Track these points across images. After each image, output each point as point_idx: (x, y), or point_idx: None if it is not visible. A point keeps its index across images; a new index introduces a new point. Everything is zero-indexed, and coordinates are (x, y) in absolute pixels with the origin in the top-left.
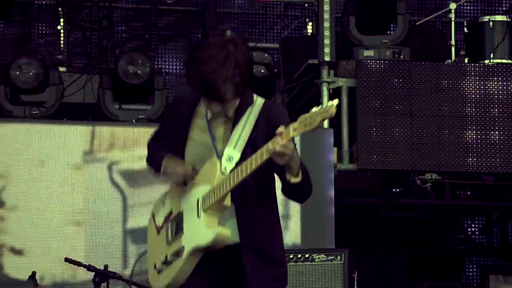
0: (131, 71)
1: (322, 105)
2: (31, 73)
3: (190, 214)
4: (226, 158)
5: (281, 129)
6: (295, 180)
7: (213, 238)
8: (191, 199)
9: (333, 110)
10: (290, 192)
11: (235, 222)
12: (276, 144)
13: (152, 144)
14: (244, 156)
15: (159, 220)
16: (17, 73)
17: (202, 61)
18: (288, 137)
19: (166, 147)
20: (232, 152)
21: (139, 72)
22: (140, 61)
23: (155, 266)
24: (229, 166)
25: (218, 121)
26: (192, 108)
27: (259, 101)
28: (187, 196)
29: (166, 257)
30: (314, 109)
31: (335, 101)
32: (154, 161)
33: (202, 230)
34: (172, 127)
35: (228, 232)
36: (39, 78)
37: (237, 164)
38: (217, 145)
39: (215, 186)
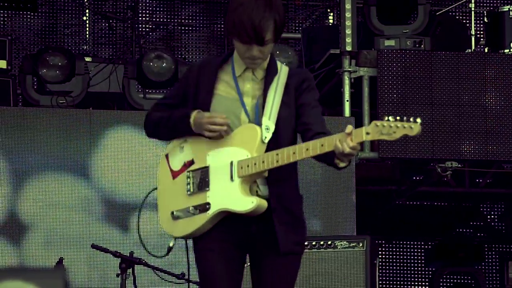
0: (155, 71)
1: (404, 119)
2: (57, 71)
3: (220, 174)
4: (265, 128)
5: (350, 128)
6: (342, 164)
7: (252, 207)
8: (223, 158)
9: (419, 130)
10: (323, 161)
11: (265, 183)
12: (346, 145)
13: (161, 108)
14: (277, 126)
15: (176, 165)
16: (45, 70)
17: (246, 6)
18: (359, 140)
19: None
20: (268, 122)
21: (162, 71)
22: (164, 59)
23: (172, 213)
24: (268, 136)
25: (245, 77)
26: (218, 67)
27: (284, 68)
28: (218, 153)
29: (187, 207)
30: (392, 119)
31: (419, 120)
32: (172, 119)
33: (237, 195)
34: (191, 87)
35: (265, 203)
36: (65, 71)
37: (273, 134)
38: (245, 100)
39: (256, 156)
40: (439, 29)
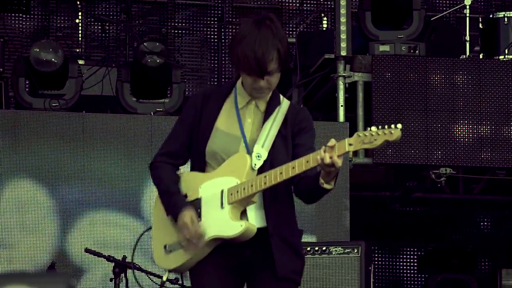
0: (148, 61)
1: (385, 127)
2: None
3: (212, 203)
4: (256, 155)
5: (332, 141)
6: (327, 186)
7: (241, 231)
8: (214, 188)
9: (399, 135)
10: (310, 193)
11: (260, 211)
12: (328, 157)
13: (163, 168)
14: (271, 155)
15: None
16: (36, 68)
17: (249, 39)
18: (343, 151)
19: (176, 182)
20: (261, 150)
21: (153, 60)
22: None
23: (165, 246)
24: (258, 163)
25: (248, 109)
26: (221, 101)
27: (285, 101)
28: (209, 184)
29: (179, 240)
30: (374, 129)
31: (400, 125)
32: (164, 199)
33: (227, 221)
34: (192, 121)
35: (255, 228)
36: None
37: (265, 162)
38: (245, 133)
39: (245, 181)
40: (434, 35)
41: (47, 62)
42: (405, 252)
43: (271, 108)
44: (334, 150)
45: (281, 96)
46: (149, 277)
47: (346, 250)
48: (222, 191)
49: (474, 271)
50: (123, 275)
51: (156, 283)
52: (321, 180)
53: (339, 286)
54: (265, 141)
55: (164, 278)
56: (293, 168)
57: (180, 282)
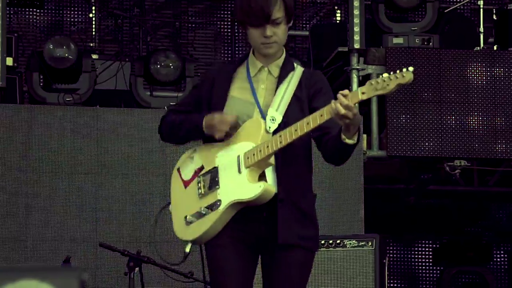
0: (161, 72)
1: (397, 71)
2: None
3: (229, 169)
4: (270, 119)
5: (346, 91)
6: (349, 141)
7: (260, 192)
8: (231, 155)
9: (411, 77)
10: (336, 152)
11: (274, 175)
12: (340, 105)
13: (175, 115)
14: (286, 118)
15: (187, 175)
16: (51, 64)
17: None
18: (356, 99)
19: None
20: (275, 113)
21: (168, 72)
22: (171, 61)
23: (185, 218)
24: (273, 126)
25: (260, 76)
26: (233, 71)
27: (299, 68)
28: (225, 152)
29: (199, 210)
30: (386, 75)
31: (411, 68)
32: (185, 125)
33: (245, 184)
34: (205, 92)
35: (273, 188)
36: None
37: (280, 125)
38: (259, 99)
39: (260, 144)
40: (448, 27)
41: (61, 59)
42: (419, 245)
43: (285, 72)
44: (347, 99)
45: (295, 63)
46: (162, 270)
47: (361, 243)
48: (238, 157)
49: (489, 263)
50: (137, 269)
51: (170, 276)
52: (343, 136)
53: (353, 279)
54: (280, 104)
55: (187, 249)
56: (308, 123)
57: (194, 276)
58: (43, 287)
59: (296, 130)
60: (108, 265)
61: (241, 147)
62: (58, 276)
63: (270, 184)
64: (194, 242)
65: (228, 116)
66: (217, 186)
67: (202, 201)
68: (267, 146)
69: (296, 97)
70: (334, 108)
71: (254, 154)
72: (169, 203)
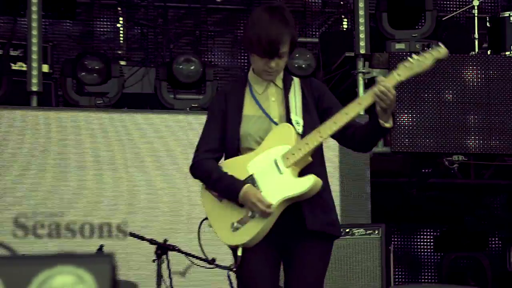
0: (185, 73)
1: (428, 49)
2: (95, 74)
3: (268, 173)
4: (295, 122)
5: (381, 77)
6: (387, 125)
7: (312, 184)
8: (265, 161)
9: (446, 50)
10: (372, 138)
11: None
12: (381, 86)
13: (208, 162)
14: (304, 119)
15: None
16: (83, 73)
17: (263, 23)
18: (394, 82)
19: (227, 173)
20: (296, 117)
21: (191, 74)
22: (192, 63)
23: (232, 225)
24: (299, 128)
25: (270, 92)
26: (242, 92)
27: (295, 78)
28: (257, 160)
29: (246, 214)
30: (415, 55)
31: (442, 45)
32: (219, 186)
33: (292, 181)
34: (221, 113)
35: (320, 181)
36: (101, 74)
37: (303, 126)
38: (272, 113)
39: (297, 144)
40: (445, 33)
41: (92, 70)
42: (421, 233)
43: (288, 83)
44: (385, 81)
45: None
46: (189, 259)
47: (368, 232)
48: (275, 160)
49: (485, 249)
50: (164, 256)
51: (193, 263)
52: (381, 121)
53: (362, 264)
54: (296, 109)
55: (239, 253)
56: (347, 114)
57: (216, 262)
58: (79, 272)
59: (335, 123)
60: (137, 253)
61: (274, 152)
62: (93, 262)
63: (316, 177)
64: (245, 245)
65: (266, 203)
66: (260, 191)
67: (245, 207)
68: (306, 143)
69: (305, 101)
70: (377, 91)
71: (293, 154)
72: (206, 218)
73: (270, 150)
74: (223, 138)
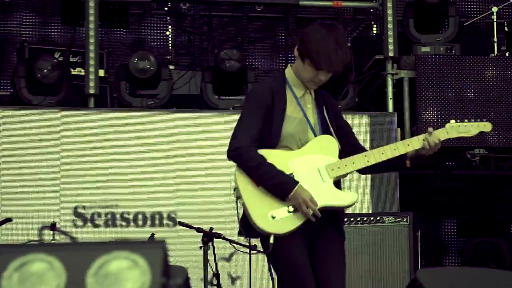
0: (227, 65)
1: (477, 120)
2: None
3: (310, 177)
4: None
5: (431, 129)
6: (409, 165)
7: (355, 200)
8: (308, 165)
9: (491, 127)
10: (387, 169)
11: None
12: (436, 138)
13: (253, 151)
14: (335, 135)
15: None
16: (135, 75)
17: (329, 41)
18: (443, 137)
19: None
20: (332, 131)
21: (230, 64)
22: (233, 57)
23: (269, 214)
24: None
25: (306, 98)
26: (284, 92)
27: (317, 90)
28: (300, 161)
29: (285, 209)
30: (467, 122)
31: (490, 124)
32: (268, 180)
33: (336, 192)
34: (266, 108)
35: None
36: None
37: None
38: (309, 118)
39: (342, 160)
40: (467, 37)
41: (143, 70)
42: (446, 221)
43: (317, 94)
44: (435, 135)
45: None
46: (232, 245)
47: (397, 219)
48: (318, 168)
49: (505, 236)
50: (210, 243)
51: (236, 249)
52: (408, 162)
53: (391, 249)
54: (329, 121)
55: (271, 241)
56: (395, 149)
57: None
58: (134, 257)
59: (383, 153)
60: (186, 240)
61: (318, 159)
62: (146, 248)
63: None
64: (279, 235)
65: (315, 208)
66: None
67: (286, 201)
68: (353, 163)
69: (328, 117)
70: (430, 141)
71: (339, 168)
72: (239, 196)
73: (311, 156)
74: (262, 131)
